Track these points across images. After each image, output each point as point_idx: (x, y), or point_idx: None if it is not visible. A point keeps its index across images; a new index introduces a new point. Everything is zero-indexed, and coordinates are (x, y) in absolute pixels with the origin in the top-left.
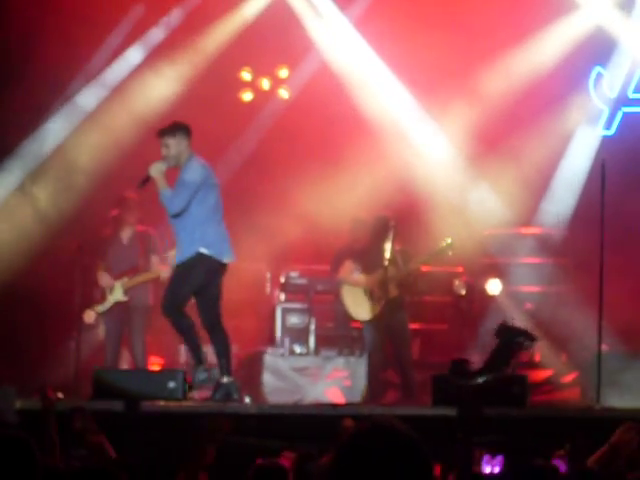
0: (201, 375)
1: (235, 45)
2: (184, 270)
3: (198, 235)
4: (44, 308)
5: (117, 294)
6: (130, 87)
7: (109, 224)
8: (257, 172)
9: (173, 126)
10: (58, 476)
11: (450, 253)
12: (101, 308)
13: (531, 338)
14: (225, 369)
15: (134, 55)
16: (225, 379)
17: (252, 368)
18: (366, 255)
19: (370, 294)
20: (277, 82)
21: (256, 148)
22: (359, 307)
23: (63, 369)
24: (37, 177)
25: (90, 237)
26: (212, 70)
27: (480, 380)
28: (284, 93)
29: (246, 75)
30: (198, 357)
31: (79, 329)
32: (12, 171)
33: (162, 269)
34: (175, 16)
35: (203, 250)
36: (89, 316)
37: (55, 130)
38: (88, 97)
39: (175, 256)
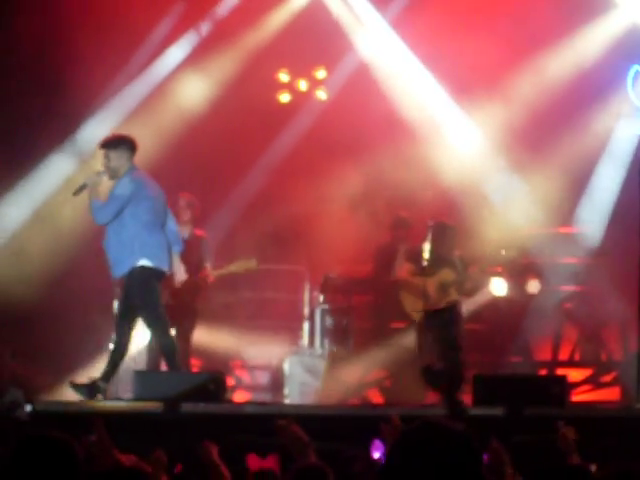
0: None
1: (273, 46)
2: (141, 289)
3: (137, 247)
4: (88, 308)
5: (164, 297)
6: (169, 87)
7: None
8: (294, 173)
9: (117, 139)
10: (94, 476)
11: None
12: None
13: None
14: (107, 373)
15: (172, 56)
16: (101, 383)
17: (291, 369)
18: (422, 256)
19: (428, 296)
20: (315, 83)
21: (293, 149)
22: (415, 308)
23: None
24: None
25: None
26: (250, 71)
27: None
28: (322, 94)
29: (284, 76)
30: (174, 367)
31: None
32: (56, 170)
33: (211, 275)
34: (213, 18)
35: (144, 262)
36: None
37: (95, 133)
38: (129, 97)
39: (112, 269)
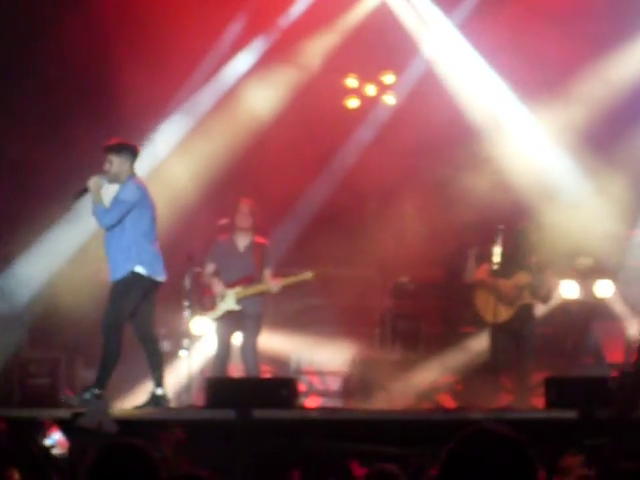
0: (87, 395)
1: (341, 52)
2: (123, 290)
3: (134, 253)
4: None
5: (229, 302)
6: (236, 96)
7: (224, 230)
8: (363, 178)
9: (120, 145)
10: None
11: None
12: (212, 316)
13: None
14: (158, 381)
15: (239, 64)
16: (159, 391)
17: (365, 373)
18: (501, 260)
19: (503, 299)
20: (383, 88)
21: (362, 154)
22: (489, 310)
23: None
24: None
25: (199, 246)
26: (318, 77)
27: None
28: (390, 99)
29: (351, 82)
30: (102, 381)
31: (190, 338)
32: None
33: (273, 283)
34: (280, 24)
35: (139, 269)
36: (199, 325)
37: (162, 141)
38: (195, 107)
39: (109, 273)
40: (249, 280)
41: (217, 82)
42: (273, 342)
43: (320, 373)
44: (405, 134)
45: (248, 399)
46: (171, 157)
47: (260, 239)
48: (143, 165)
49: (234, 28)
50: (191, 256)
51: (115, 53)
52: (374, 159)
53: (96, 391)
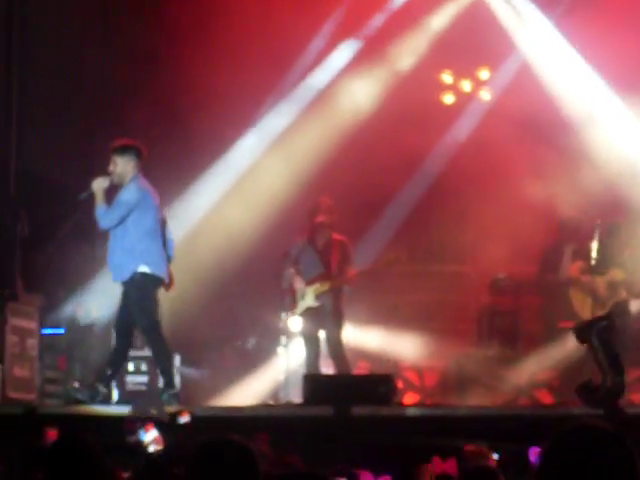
0: (165, 397)
1: (436, 48)
2: (140, 294)
3: (138, 253)
4: (252, 314)
5: (308, 299)
6: (332, 93)
7: (307, 230)
8: (459, 174)
9: (125, 145)
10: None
11: None
12: (294, 313)
13: None
14: (167, 378)
15: (334, 62)
16: (102, 388)
17: (463, 370)
18: (596, 256)
19: (598, 299)
20: (478, 84)
21: (458, 149)
22: (585, 307)
23: (274, 375)
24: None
25: (291, 243)
26: (413, 73)
27: None
28: (485, 95)
29: (447, 77)
30: (171, 380)
31: (287, 335)
32: (222, 175)
33: (352, 278)
34: (374, 22)
35: (144, 269)
36: (296, 323)
37: (251, 145)
38: (290, 106)
39: (112, 274)
40: (327, 276)
41: (312, 81)
42: (370, 338)
43: (418, 369)
44: (500, 129)
45: (346, 396)
46: (267, 157)
47: (338, 236)
48: (239, 165)
49: (329, 26)
50: (287, 254)
51: (205, 55)
52: (469, 154)
53: (172, 391)
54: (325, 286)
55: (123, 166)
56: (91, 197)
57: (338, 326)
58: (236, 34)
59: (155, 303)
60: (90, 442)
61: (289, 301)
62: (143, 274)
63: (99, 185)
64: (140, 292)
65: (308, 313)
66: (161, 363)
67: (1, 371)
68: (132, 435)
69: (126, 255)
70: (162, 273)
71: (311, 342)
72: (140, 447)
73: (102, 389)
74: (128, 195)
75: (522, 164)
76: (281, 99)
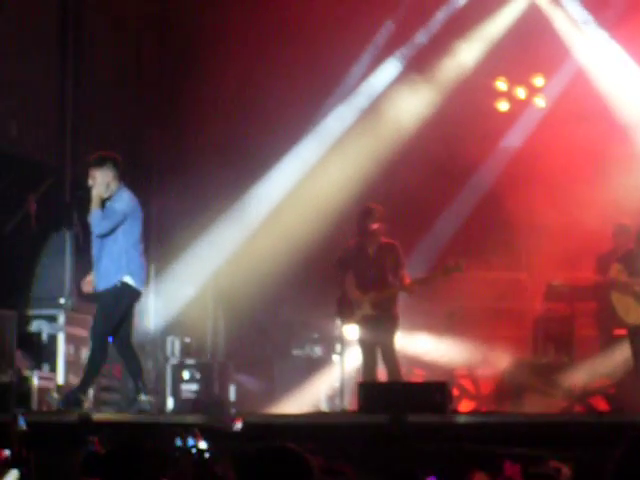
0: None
1: (490, 55)
2: (114, 301)
3: (124, 262)
4: (307, 322)
5: (365, 308)
6: (387, 99)
7: (356, 236)
8: (514, 181)
9: (100, 158)
10: None
11: None
12: (350, 322)
13: None
14: (141, 388)
15: (386, 71)
16: (142, 397)
17: (518, 377)
18: (635, 259)
19: (637, 294)
20: (533, 91)
21: (513, 156)
22: (629, 312)
23: (328, 383)
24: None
25: (340, 251)
26: (468, 80)
27: None
28: (540, 102)
29: (501, 84)
30: (85, 387)
31: (342, 343)
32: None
33: (407, 282)
34: (428, 30)
35: (128, 280)
36: (351, 331)
37: (312, 148)
38: (343, 113)
39: (94, 281)
40: (383, 284)
41: (367, 87)
42: (426, 346)
43: (473, 377)
44: (555, 136)
45: (401, 404)
46: (321, 164)
47: (388, 240)
48: (294, 170)
49: (383, 34)
50: (340, 260)
51: (261, 61)
52: (524, 161)
53: (80, 396)
54: (382, 294)
55: (103, 178)
56: (87, 195)
57: (392, 333)
58: (291, 42)
59: (121, 316)
60: (146, 449)
61: (345, 309)
62: (125, 284)
63: (95, 192)
64: (115, 300)
65: (365, 321)
66: (91, 373)
67: (55, 379)
68: (183, 442)
69: (112, 264)
70: (142, 287)
71: (368, 350)
72: (188, 454)
73: (81, 396)
74: (123, 204)
75: (577, 171)
76: (337, 106)
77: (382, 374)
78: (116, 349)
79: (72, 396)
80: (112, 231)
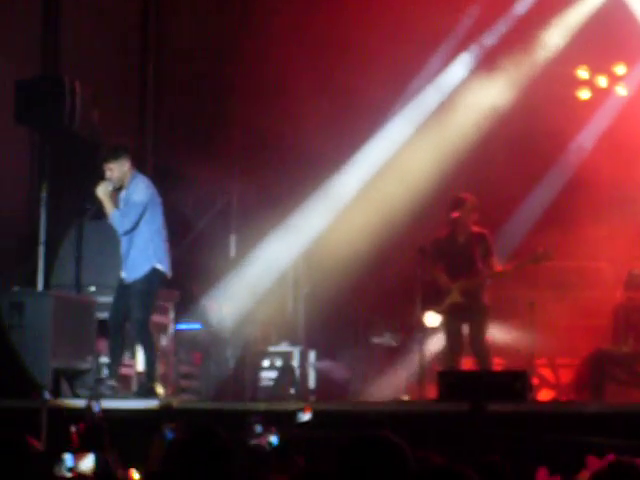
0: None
1: (571, 43)
2: (148, 288)
3: (151, 251)
4: (386, 310)
5: (454, 296)
6: (464, 92)
7: (446, 225)
8: (596, 169)
9: (115, 150)
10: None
11: None
12: (438, 310)
13: None
14: (151, 370)
15: (467, 61)
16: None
17: (598, 366)
18: None
19: None
20: (614, 79)
21: (593, 147)
22: None
23: (408, 371)
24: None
25: (430, 240)
26: (549, 69)
27: None
28: (622, 90)
29: (583, 73)
30: (151, 373)
31: (422, 331)
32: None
33: (498, 270)
34: (510, 17)
35: (158, 266)
36: (431, 319)
37: (392, 136)
38: (422, 103)
39: (127, 273)
40: (471, 272)
41: (447, 76)
42: (505, 335)
43: (553, 366)
44: (636, 125)
45: (481, 392)
46: (405, 151)
47: (478, 229)
48: (378, 158)
49: (464, 23)
50: (423, 249)
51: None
52: (604, 150)
53: (153, 385)
54: (471, 282)
55: (120, 169)
56: (99, 204)
57: (484, 322)
58: (368, 41)
59: (155, 300)
60: (223, 437)
61: (432, 297)
62: (157, 270)
63: (104, 191)
64: (148, 286)
65: (453, 309)
66: (148, 356)
67: (135, 366)
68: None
69: (140, 254)
70: (168, 271)
71: (454, 338)
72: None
73: (112, 384)
74: (141, 195)
75: None
76: (413, 99)
77: (466, 363)
78: (109, 330)
79: (145, 387)
80: (136, 224)
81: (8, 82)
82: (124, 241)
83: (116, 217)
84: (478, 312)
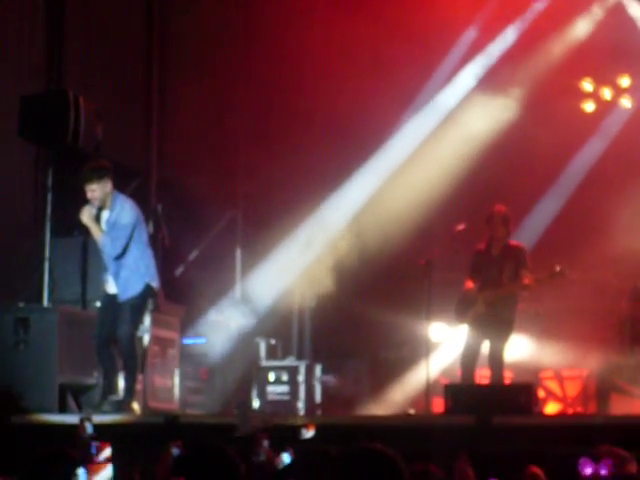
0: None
1: (576, 55)
2: (140, 304)
3: (143, 270)
4: (392, 322)
5: (479, 306)
6: (472, 102)
7: (483, 239)
8: (601, 183)
9: (98, 170)
10: None
11: None
12: (463, 321)
13: None
14: (131, 385)
15: (467, 78)
16: (113, 397)
17: (604, 378)
18: None
19: None
20: (619, 91)
21: (599, 158)
22: None
23: (414, 384)
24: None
25: (438, 252)
26: (553, 81)
27: None
28: (626, 102)
29: (587, 85)
30: (131, 389)
31: (428, 345)
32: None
33: (526, 283)
34: (516, 28)
35: (151, 283)
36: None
37: (399, 148)
38: (424, 121)
39: (119, 293)
40: (499, 284)
41: (453, 88)
42: (512, 347)
43: (559, 378)
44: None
45: (487, 405)
46: (409, 163)
47: (514, 242)
48: (378, 174)
49: (468, 36)
50: (429, 262)
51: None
52: (610, 162)
53: (130, 402)
54: (496, 293)
55: (102, 189)
56: (85, 229)
57: (505, 336)
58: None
59: (143, 316)
60: (227, 451)
61: (461, 307)
62: (150, 287)
63: (88, 216)
64: (142, 303)
65: (476, 319)
66: (132, 371)
67: (142, 381)
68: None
69: (132, 274)
70: (158, 286)
71: (472, 350)
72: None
73: (114, 399)
74: (128, 217)
75: None
76: (419, 111)
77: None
78: (98, 347)
79: (124, 402)
80: (127, 246)
81: (14, 98)
82: (115, 262)
83: (106, 242)
84: (500, 324)
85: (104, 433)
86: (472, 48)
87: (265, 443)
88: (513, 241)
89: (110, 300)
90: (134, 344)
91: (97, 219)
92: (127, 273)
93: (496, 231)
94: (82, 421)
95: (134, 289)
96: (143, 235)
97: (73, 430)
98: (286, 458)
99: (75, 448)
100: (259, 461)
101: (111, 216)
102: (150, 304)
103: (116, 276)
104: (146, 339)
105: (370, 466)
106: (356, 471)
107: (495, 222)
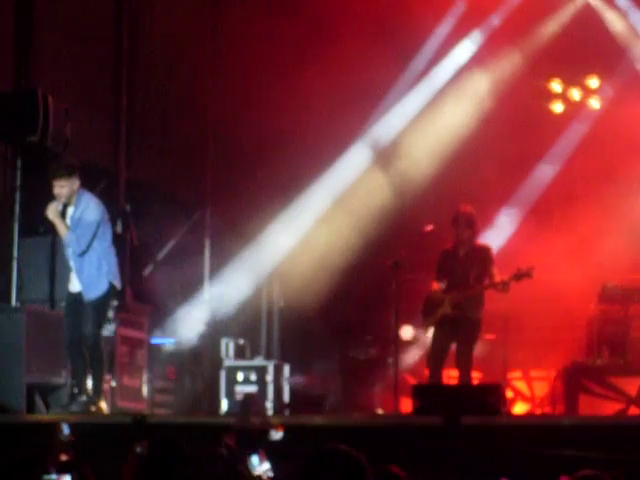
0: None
1: (545, 55)
2: (103, 303)
3: (106, 268)
4: (362, 323)
5: (445, 307)
6: (443, 100)
7: (450, 239)
8: (571, 183)
9: (67, 168)
10: None
11: None
12: (429, 321)
13: None
14: (98, 385)
15: (438, 79)
16: (83, 398)
17: (571, 379)
18: None
19: None
20: (588, 92)
21: (568, 160)
22: None
23: (382, 384)
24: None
25: (406, 253)
26: (522, 81)
27: None
28: (595, 103)
29: (556, 86)
30: (98, 388)
31: (396, 345)
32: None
33: (498, 281)
34: (487, 27)
35: (114, 281)
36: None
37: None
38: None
39: (83, 291)
40: (465, 285)
41: (425, 86)
42: (480, 348)
43: (527, 379)
44: (610, 137)
45: (455, 406)
46: (377, 165)
47: (480, 243)
48: (350, 173)
49: (441, 31)
50: (397, 263)
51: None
52: (580, 161)
53: (94, 399)
54: (462, 294)
55: (70, 186)
56: (51, 225)
57: (470, 337)
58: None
59: (107, 315)
60: (184, 451)
61: (428, 309)
62: (113, 286)
63: (54, 212)
64: (105, 302)
65: (443, 320)
66: (99, 370)
67: (111, 381)
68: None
69: (95, 271)
70: (120, 285)
71: (439, 350)
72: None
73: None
74: (93, 214)
75: (634, 172)
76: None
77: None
78: (68, 346)
79: (90, 402)
80: (91, 243)
81: None
82: (77, 261)
83: (72, 238)
84: (467, 325)
85: (72, 433)
86: (440, 51)
87: (230, 443)
88: (479, 242)
89: (74, 299)
90: (99, 344)
91: (62, 215)
92: (91, 270)
93: (461, 232)
94: (58, 422)
95: (98, 288)
96: (107, 234)
97: (44, 430)
98: (255, 460)
99: (50, 449)
100: (223, 461)
101: (75, 212)
102: (113, 302)
103: (79, 273)
104: (115, 339)
105: (333, 467)
106: (319, 472)
107: (460, 223)
